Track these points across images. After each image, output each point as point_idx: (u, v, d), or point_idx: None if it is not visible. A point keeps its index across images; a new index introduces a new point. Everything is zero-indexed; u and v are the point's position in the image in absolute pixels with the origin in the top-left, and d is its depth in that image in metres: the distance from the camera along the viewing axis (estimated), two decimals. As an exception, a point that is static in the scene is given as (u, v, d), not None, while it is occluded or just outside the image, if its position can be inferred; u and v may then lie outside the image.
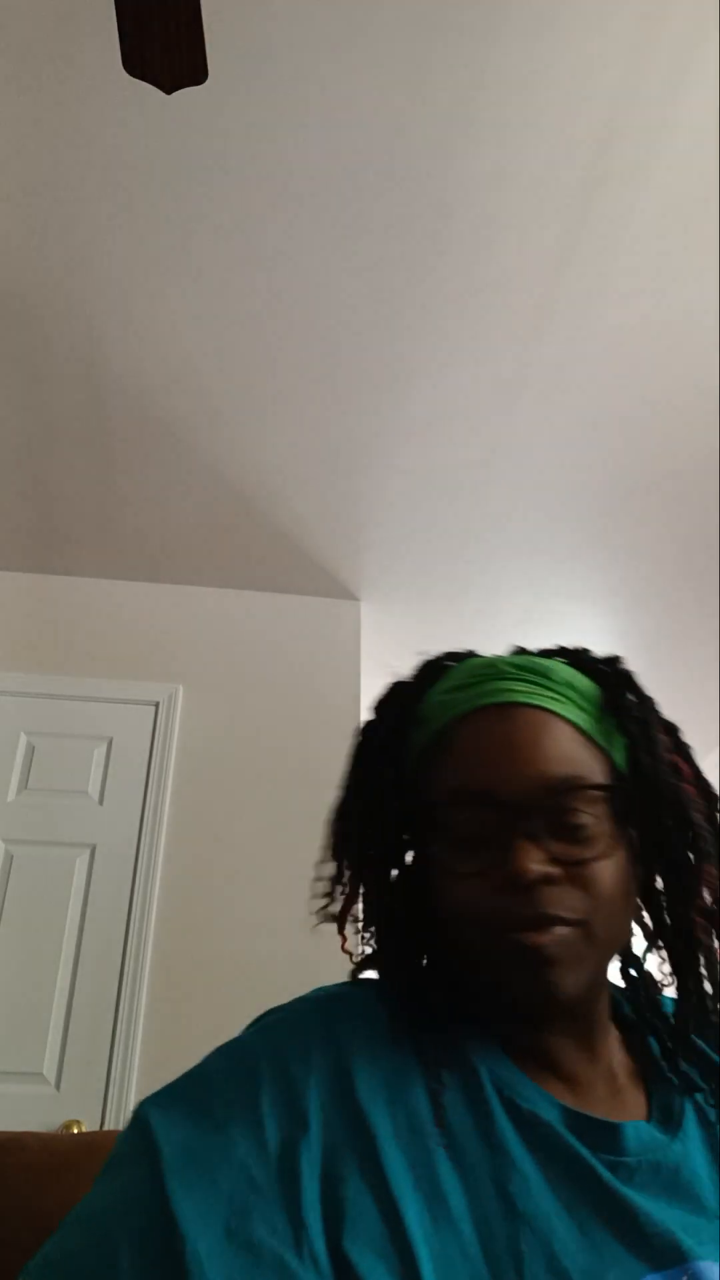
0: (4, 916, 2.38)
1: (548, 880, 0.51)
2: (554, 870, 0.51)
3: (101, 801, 2.57)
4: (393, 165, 1.76)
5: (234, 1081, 0.50)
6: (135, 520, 2.74)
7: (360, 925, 0.61)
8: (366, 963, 0.61)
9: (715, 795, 0.59)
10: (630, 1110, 0.55)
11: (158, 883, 2.47)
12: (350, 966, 0.62)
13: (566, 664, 0.62)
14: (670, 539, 2.76)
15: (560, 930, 0.51)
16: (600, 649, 0.65)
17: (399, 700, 0.63)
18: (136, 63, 1.21)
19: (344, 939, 0.62)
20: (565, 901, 0.51)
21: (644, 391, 2.26)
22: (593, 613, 3.10)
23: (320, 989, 0.61)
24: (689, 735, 0.63)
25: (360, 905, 0.61)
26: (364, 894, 0.61)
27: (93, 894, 2.44)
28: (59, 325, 2.11)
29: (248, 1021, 0.59)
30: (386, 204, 1.83)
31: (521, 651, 0.64)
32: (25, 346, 2.17)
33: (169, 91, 1.25)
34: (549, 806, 0.52)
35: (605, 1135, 0.50)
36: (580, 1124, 0.51)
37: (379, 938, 0.60)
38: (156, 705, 2.72)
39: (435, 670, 0.63)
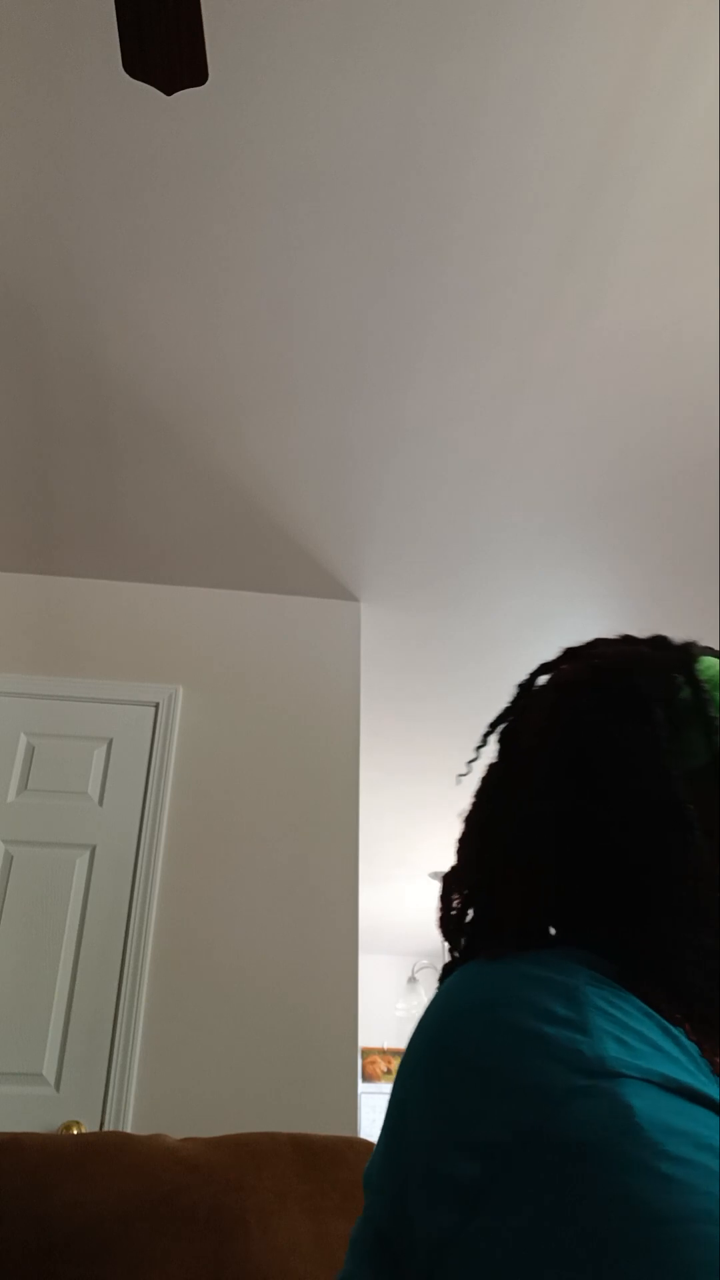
0: (4, 916, 2.38)
1: None
2: None
3: (101, 802, 2.57)
4: (392, 166, 1.77)
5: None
6: (135, 520, 2.74)
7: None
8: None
9: None
10: None
11: (158, 883, 2.47)
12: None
13: None
14: (670, 540, 2.76)
15: None
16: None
17: (672, 682, 0.61)
18: (136, 64, 1.22)
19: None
20: None
21: (644, 392, 2.27)
22: (592, 614, 3.11)
23: (576, 973, 0.52)
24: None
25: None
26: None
27: (93, 894, 2.44)
28: (59, 325, 2.11)
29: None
30: (386, 205, 1.83)
31: None
32: (25, 346, 2.17)
33: (169, 93, 1.25)
34: None
35: None
36: None
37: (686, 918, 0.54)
38: (156, 705, 2.73)
39: (691, 660, 0.63)
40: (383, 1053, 6.04)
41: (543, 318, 2.07)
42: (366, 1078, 5.93)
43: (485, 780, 0.66)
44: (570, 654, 0.69)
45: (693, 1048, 0.48)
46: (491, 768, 0.67)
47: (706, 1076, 0.46)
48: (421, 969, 5.15)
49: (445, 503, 2.65)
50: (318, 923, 2.48)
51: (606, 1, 1.51)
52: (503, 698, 3.14)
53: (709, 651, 0.67)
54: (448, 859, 4.96)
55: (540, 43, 1.56)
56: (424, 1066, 0.50)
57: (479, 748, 0.70)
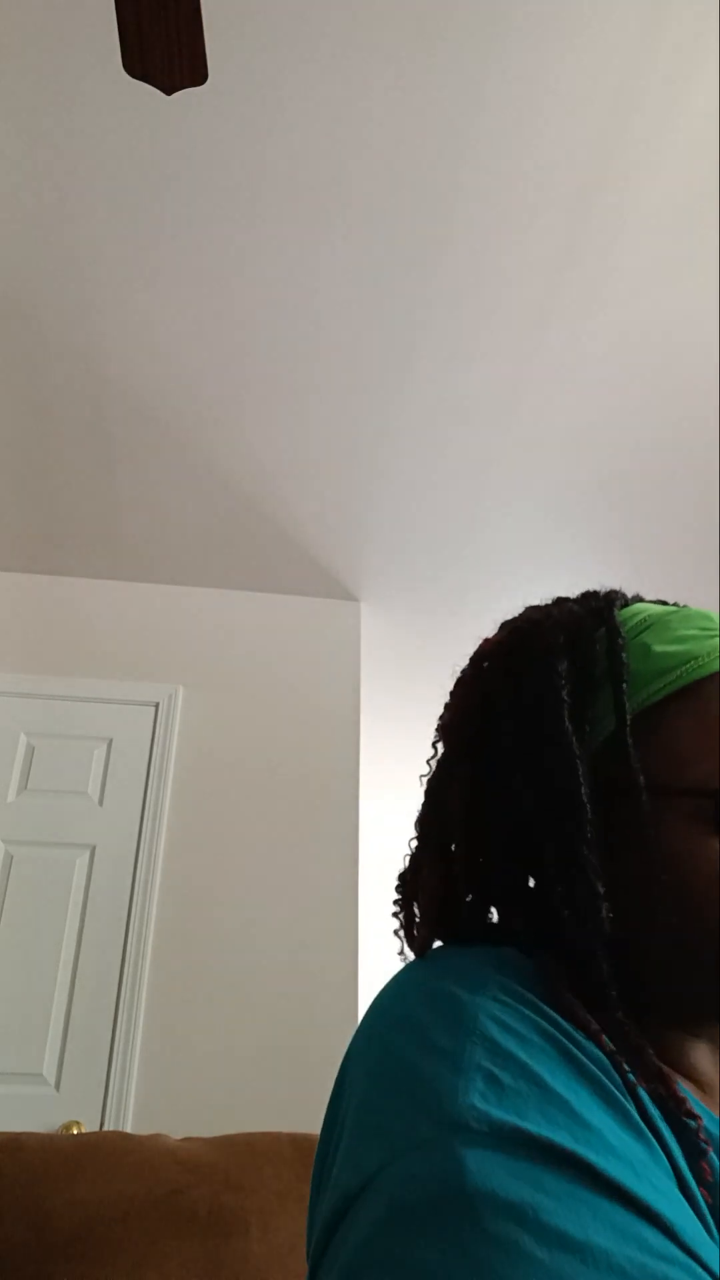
0: (4, 916, 2.38)
1: None
2: None
3: (101, 802, 2.57)
4: (393, 166, 1.76)
5: None
6: (135, 521, 2.74)
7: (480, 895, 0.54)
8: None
9: None
10: None
11: (158, 883, 2.47)
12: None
13: None
14: (670, 539, 2.76)
15: None
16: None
17: (585, 635, 0.54)
18: (136, 64, 1.22)
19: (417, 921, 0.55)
20: None
21: (644, 392, 2.27)
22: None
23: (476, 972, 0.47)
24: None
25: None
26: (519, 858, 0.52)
27: (93, 894, 2.44)
28: (59, 326, 2.11)
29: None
30: (387, 205, 1.83)
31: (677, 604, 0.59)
32: (25, 347, 2.17)
33: (169, 92, 1.25)
34: None
35: None
36: None
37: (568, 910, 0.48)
38: (156, 705, 2.73)
39: (610, 609, 0.56)
40: (383, 1053, 6.03)
41: (542, 317, 2.07)
42: (366, 1078, 5.92)
43: (429, 775, 0.63)
44: (501, 626, 0.63)
45: (603, 1064, 0.43)
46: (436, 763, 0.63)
47: (609, 1110, 0.40)
48: (421, 969, 5.15)
49: (445, 503, 2.65)
50: (318, 923, 2.48)
51: (607, 2, 1.51)
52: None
53: (642, 600, 0.60)
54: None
55: (541, 43, 1.56)
56: (339, 1076, 0.48)
57: (435, 743, 0.65)
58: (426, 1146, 0.37)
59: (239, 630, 2.93)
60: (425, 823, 0.60)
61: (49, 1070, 2.23)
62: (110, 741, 2.66)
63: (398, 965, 0.55)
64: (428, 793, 0.61)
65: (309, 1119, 2.35)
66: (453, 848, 0.56)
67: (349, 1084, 0.46)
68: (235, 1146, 0.98)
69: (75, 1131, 2.14)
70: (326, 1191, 0.42)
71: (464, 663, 0.64)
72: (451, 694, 0.63)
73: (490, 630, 0.65)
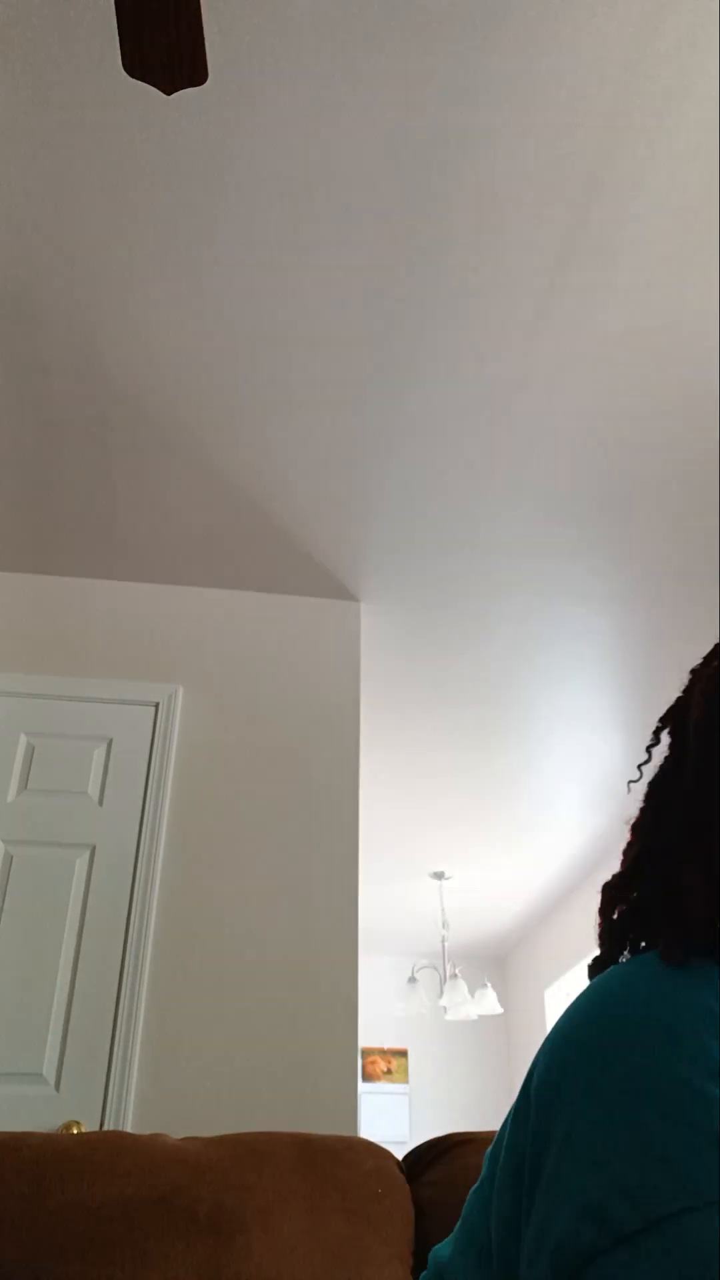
0: (4, 916, 2.38)
1: None
2: None
3: (101, 802, 2.57)
4: (392, 166, 1.77)
5: None
6: (135, 520, 2.74)
7: None
8: None
9: None
10: None
11: (158, 883, 2.47)
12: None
13: None
14: (670, 539, 2.76)
15: None
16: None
17: None
18: (137, 64, 1.22)
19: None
20: None
21: (643, 392, 2.27)
22: (592, 613, 3.10)
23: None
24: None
25: None
26: None
27: (93, 894, 2.44)
28: (59, 326, 2.11)
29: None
30: (386, 205, 1.84)
31: None
32: (25, 347, 2.17)
33: (169, 93, 1.25)
34: None
35: None
36: None
37: None
38: (156, 705, 2.73)
39: None
40: (383, 1053, 6.04)
41: (543, 317, 2.08)
42: (366, 1078, 5.93)
43: (655, 777, 0.61)
44: None
45: None
46: (662, 762, 0.62)
47: None
48: (421, 969, 5.15)
49: (445, 502, 2.65)
50: (318, 923, 2.48)
51: (607, 1, 1.51)
52: (502, 697, 3.13)
53: None
54: (449, 858, 4.90)
55: (540, 43, 1.56)
56: (585, 1078, 0.45)
57: (650, 746, 0.64)
58: None
59: (239, 630, 2.93)
60: (663, 822, 0.58)
61: (49, 1070, 2.23)
62: (110, 741, 2.66)
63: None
64: (659, 794, 0.60)
65: (309, 1119, 2.37)
66: (706, 840, 0.53)
67: (586, 1089, 0.44)
68: (235, 1146, 0.98)
69: (75, 1131, 2.14)
70: (563, 1197, 0.40)
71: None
72: (691, 691, 0.61)
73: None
